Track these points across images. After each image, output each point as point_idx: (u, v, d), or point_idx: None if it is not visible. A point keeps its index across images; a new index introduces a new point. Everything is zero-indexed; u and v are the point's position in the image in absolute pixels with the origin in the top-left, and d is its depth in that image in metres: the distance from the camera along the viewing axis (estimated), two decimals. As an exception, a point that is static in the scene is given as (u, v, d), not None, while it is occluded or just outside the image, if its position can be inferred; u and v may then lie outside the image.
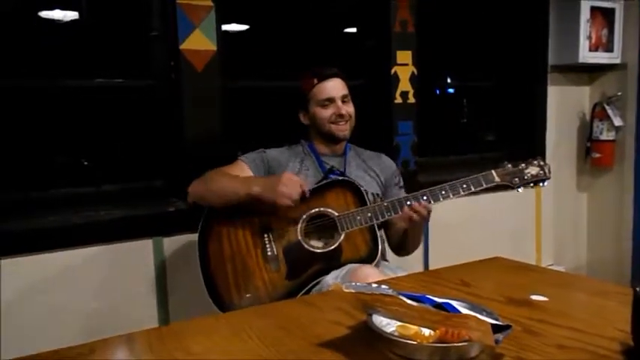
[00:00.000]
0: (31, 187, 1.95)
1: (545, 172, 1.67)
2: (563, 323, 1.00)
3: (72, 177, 2.08)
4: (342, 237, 1.65)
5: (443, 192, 1.64)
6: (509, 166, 1.67)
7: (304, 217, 1.69)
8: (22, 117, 1.99)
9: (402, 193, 1.88)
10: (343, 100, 1.83)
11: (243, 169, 1.78)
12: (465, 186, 1.64)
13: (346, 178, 1.78)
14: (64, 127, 2.07)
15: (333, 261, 1.65)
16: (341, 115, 1.81)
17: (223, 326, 1.04)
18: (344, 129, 1.83)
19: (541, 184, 1.67)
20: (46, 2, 1.99)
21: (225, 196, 1.68)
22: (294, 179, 1.64)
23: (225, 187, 1.68)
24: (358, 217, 1.65)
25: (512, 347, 0.88)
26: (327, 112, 1.81)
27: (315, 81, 1.82)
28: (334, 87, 1.82)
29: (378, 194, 1.86)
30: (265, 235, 1.69)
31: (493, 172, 1.65)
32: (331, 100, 1.81)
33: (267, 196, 1.62)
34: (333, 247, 1.64)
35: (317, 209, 1.69)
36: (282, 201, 1.60)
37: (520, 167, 1.66)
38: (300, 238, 1.66)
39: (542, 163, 1.68)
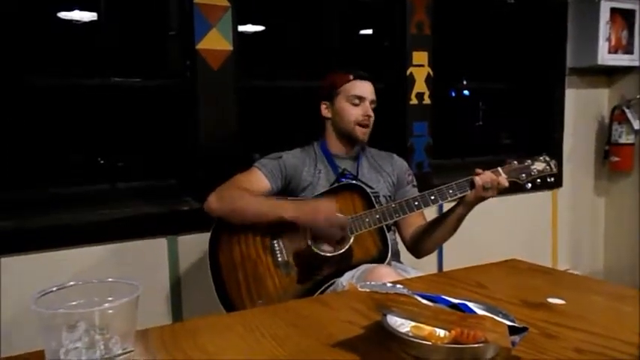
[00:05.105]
0: (47, 184, 1.97)
1: (551, 168, 1.69)
2: (580, 327, 0.98)
3: (87, 175, 2.10)
4: (351, 240, 1.65)
5: (450, 190, 1.63)
6: (516, 162, 1.67)
7: None
8: (39, 115, 2.01)
9: (415, 192, 1.86)
10: (371, 104, 1.83)
11: (259, 178, 1.76)
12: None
13: (354, 182, 1.77)
14: (80, 125, 2.09)
15: (343, 264, 1.64)
16: (368, 117, 1.81)
17: (237, 324, 1.03)
18: (366, 132, 1.83)
19: (548, 179, 1.68)
20: (65, 3, 2.01)
21: (251, 219, 1.66)
22: (330, 210, 1.60)
23: (251, 211, 1.66)
24: (367, 220, 1.64)
25: (529, 350, 0.86)
26: (355, 111, 1.80)
27: (351, 77, 1.82)
28: (368, 88, 1.83)
29: (390, 196, 1.85)
30: (275, 241, 1.69)
31: (499, 169, 1.64)
32: (361, 99, 1.81)
33: (304, 222, 1.62)
34: (343, 251, 1.64)
35: None
36: (332, 232, 1.61)
37: (526, 163, 1.67)
38: (309, 242, 1.65)
39: (547, 159, 1.70)
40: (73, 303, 0.72)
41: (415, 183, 1.92)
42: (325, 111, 1.86)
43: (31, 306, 0.68)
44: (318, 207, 1.62)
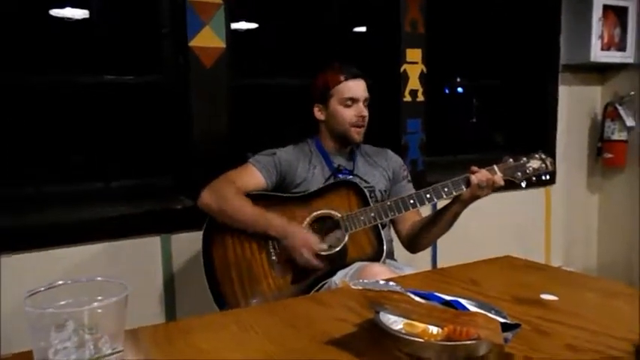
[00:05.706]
0: (39, 182, 1.96)
1: (547, 165, 1.67)
2: (573, 323, 0.98)
3: (80, 173, 2.09)
4: (346, 238, 1.64)
5: (446, 189, 1.63)
6: (511, 160, 1.66)
7: (308, 219, 1.68)
8: (31, 113, 2.00)
9: (411, 187, 1.86)
10: (364, 103, 1.81)
11: (254, 175, 1.75)
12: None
13: (349, 179, 1.76)
14: (73, 123, 2.07)
15: (338, 263, 1.64)
16: (362, 117, 1.79)
17: (231, 323, 1.03)
18: (361, 132, 1.81)
19: (544, 177, 1.66)
20: (57, 1, 1.99)
21: (237, 225, 1.67)
22: (310, 244, 1.61)
23: (238, 217, 1.66)
24: (362, 218, 1.64)
25: (522, 346, 0.86)
26: (348, 112, 1.78)
27: (342, 78, 1.78)
28: (361, 87, 1.80)
29: (385, 191, 1.84)
30: (270, 240, 1.68)
31: (495, 167, 1.64)
32: (354, 101, 1.78)
33: (286, 246, 1.63)
34: (338, 249, 1.64)
35: (320, 211, 1.68)
36: (301, 261, 1.61)
37: (522, 161, 1.66)
38: None
39: (543, 156, 1.69)
40: (62, 302, 0.71)
41: (410, 178, 1.92)
42: (318, 113, 1.84)
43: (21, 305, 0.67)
44: (305, 239, 1.60)
